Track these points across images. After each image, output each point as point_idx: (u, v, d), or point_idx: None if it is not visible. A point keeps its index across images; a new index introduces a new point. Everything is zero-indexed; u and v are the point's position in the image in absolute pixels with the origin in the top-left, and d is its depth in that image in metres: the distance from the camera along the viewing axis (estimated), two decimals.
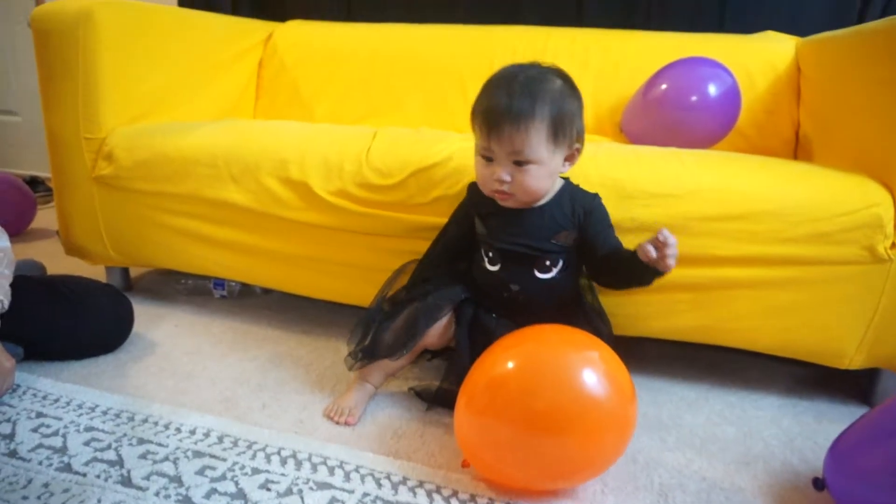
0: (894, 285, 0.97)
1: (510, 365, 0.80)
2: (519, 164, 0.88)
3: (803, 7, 1.61)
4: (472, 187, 1.03)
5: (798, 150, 1.41)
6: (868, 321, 1.00)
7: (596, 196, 0.98)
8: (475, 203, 1.01)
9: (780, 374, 1.19)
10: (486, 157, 0.91)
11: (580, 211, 0.95)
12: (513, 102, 0.86)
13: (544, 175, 0.90)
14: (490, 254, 0.98)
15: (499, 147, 0.88)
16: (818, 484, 0.80)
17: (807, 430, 1.02)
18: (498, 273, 0.97)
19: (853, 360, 1.04)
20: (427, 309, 0.97)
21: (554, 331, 0.86)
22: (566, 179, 0.99)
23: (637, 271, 0.88)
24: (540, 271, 0.96)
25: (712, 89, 1.31)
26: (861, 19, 1.58)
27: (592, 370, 0.76)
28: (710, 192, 1.00)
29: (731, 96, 1.32)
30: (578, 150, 0.94)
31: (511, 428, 0.75)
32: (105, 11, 1.31)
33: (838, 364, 1.05)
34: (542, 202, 0.96)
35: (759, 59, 1.45)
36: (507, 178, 0.89)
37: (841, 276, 0.99)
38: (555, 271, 0.96)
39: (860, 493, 0.73)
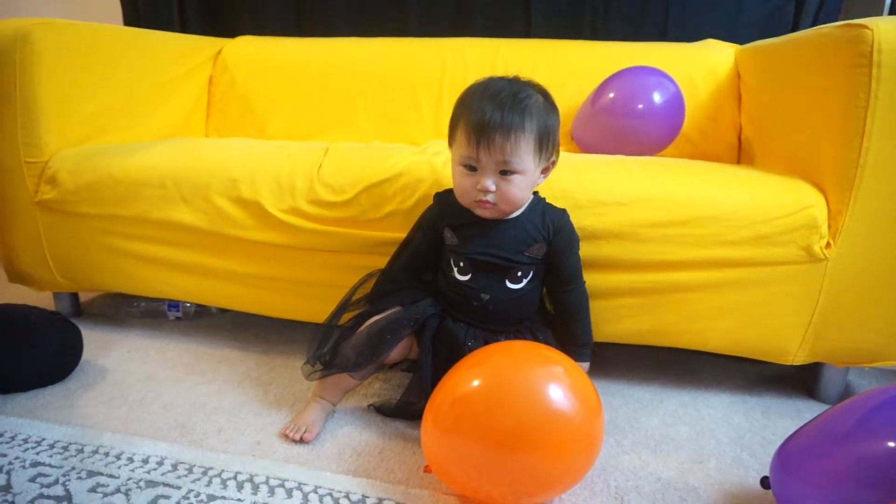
0: (831, 283, 1.02)
1: (476, 383, 0.79)
2: (504, 173, 0.90)
3: (741, 16, 1.68)
4: (441, 198, 1.03)
5: (741, 153, 1.46)
6: (809, 318, 1.04)
7: (564, 212, 1.00)
8: (446, 214, 1.01)
9: (731, 373, 1.23)
10: (470, 166, 0.92)
11: (550, 225, 0.98)
12: (504, 114, 0.88)
13: (527, 185, 0.93)
14: (461, 264, 0.98)
15: (487, 156, 0.89)
16: (766, 483, 0.82)
17: (756, 426, 1.05)
18: (468, 283, 0.98)
19: (797, 355, 1.08)
20: (393, 325, 0.97)
21: (519, 347, 0.87)
22: (536, 193, 1.02)
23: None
24: (511, 282, 0.97)
25: (657, 97, 1.35)
26: (795, 27, 1.65)
27: (558, 386, 0.77)
28: (657, 200, 1.03)
29: (676, 103, 1.37)
30: (554, 163, 0.97)
31: (479, 446, 0.75)
32: (43, 32, 1.28)
33: (783, 360, 1.09)
34: (516, 214, 0.98)
35: (700, 66, 1.50)
36: (493, 188, 0.90)
37: (782, 276, 1.02)
38: (525, 282, 0.98)
39: (802, 496, 0.75)
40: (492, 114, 0.88)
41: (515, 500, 0.80)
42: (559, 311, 1.03)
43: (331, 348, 1.00)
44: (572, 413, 0.76)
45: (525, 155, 0.90)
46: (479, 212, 0.95)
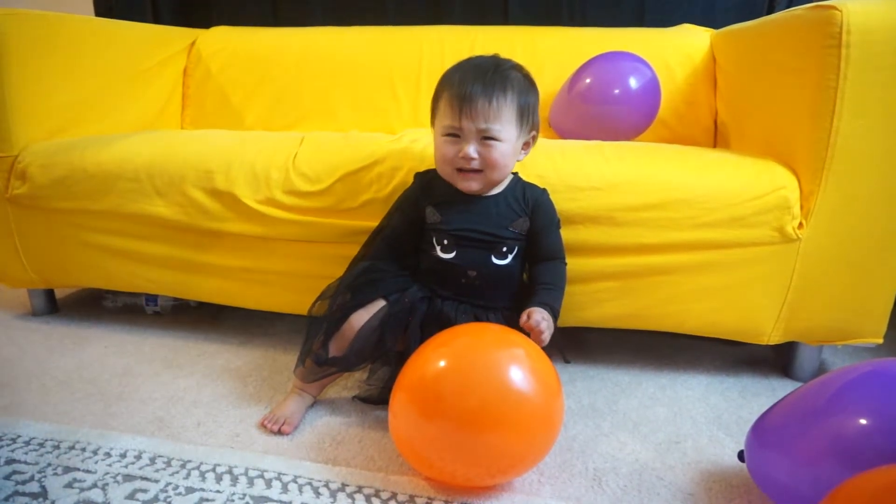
0: (804, 263, 1.03)
1: (442, 363, 0.80)
2: (486, 139, 0.91)
3: (717, 0, 1.68)
4: (421, 177, 1.03)
5: (717, 137, 1.47)
6: (783, 298, 1.06)
7: (545, 191, 1.01)
8: (428, 192, 1.01)
9: (709, 355, 1.25)
10: (453, 135, 0.93)
11: (530, 200, 0.99)
12: (485, 82, 0.91)
13: (509, 153, 0.94)
14: (444, 241, 0.98)
15: (469, 123, 0.91)
16: (742, 456, 0.83)
17: (732, 406, 1.06)
18: (453, 260, 0.98)
19: (772, 335, 1.09)
20: (388, 325, 0.95)
21: (483, 329, 0.87)
22: (515, 174, 1.02)
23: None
24: (497, 257, 0.98)
25: (633, 82, 1.35)
26: (770, 10, 1.66)
27: (519, 367, 0.78)
28: (631, 184, 1.03)
29: (652, 88, 1.37)
30: (534, 139, 0.99)
31: (443, 425, 0.76)
32: (11, 23, 1.25)
33: (759, 340, 1.10)
34: (498, 191, 0.99)
35: (676, 51, 1.50)
36: (475, 155, 0.91)
37: (756, 257, 1.03)
38: (510, 258, 0.98)
39: (776, 470, 0.76)
40: (473, 82, 0.91)
41: (479, 480, 0.81)
42: (534, 282, 0.99)
43: (321, 344, 0.97)
44: (532, 394, 0.77)
45: (507, 123, 0.92)
46: (463, 185, 0.95)
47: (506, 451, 0.77)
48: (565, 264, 1.01)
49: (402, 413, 0.80)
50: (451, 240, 0.98)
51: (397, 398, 0.81)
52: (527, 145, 0.98)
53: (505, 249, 0.98)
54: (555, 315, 0.94)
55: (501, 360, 0.78)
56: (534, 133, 0.98)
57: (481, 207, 0.98)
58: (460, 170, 0.94)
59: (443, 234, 0.98)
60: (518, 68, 0.97)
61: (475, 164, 0.92)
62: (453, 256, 0.98)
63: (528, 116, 0.95)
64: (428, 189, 1.01)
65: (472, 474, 0.80)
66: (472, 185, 0.95)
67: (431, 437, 0.77)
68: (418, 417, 0.78)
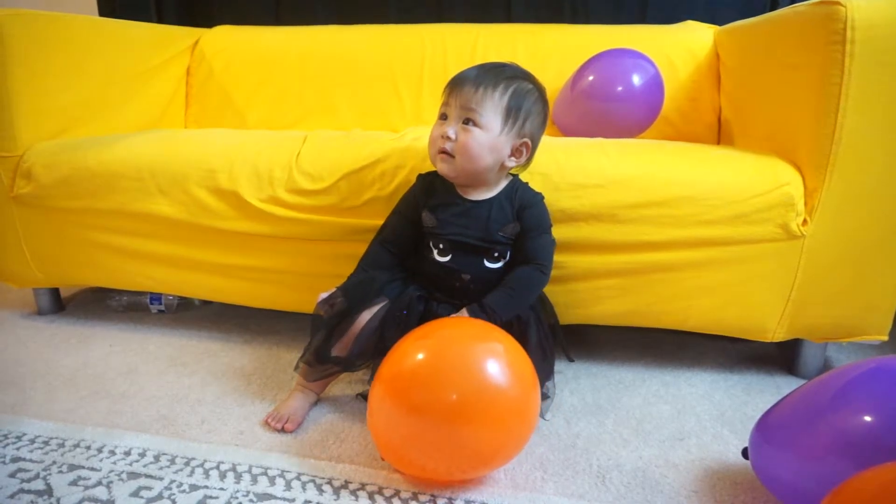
0: (808, 260, 1.02)
1: (418, 357, 0.80)
2: (466, 123, 0.93)
3: None
4: (423, 178, 1.04)
5: (721, 134, 1.47)
6: (787, 295, 1.05)
7: (538, 195, 1.00)
8: (427, 195, 1.01)
9: (713, 352, 1.24)
10: (443, 115, 0.96)
11: (519, 203, 0.98)
12: (480, 73, 0.95)
13: (485, 144, 0.93)
14: (440, 245, 0.99)
15: (454, 101, 0.94)
16: (746, 453, 0.83)
17: (736, 403, 1.06)
18: (448, 264, 0.98)
19: (776, 332, 1.09)
20: (389, 322, 0.95)
21: (461, 323, 0.88)
22: (516, 177, 1.02)
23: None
24: (489, 261, 0.98)
25: (636, 79, 1.35)
26: (773, 7, 1.65)
27: (496, 361, 0.78)
28: (634, 181, 1.03)
29: (655, 85, 1.36)
30: (527, 147, 0.97)
31: (419, 419, 0.76)
32: (13, 24, 1.26)
33: (763, 337, 1.10)
34: (492, 194, 0.99)
35: (679, 48, 1.50)
36: (453, 136, 0.93)
37: (759, 254, 1.03)
38: (503, 262, 0.99)
39: (780, 467, 0.76)
40: (469, 70, 0.96)
41: (448, 475, 0.81)
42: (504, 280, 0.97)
43: (322, 343, 0.96)
44: (508, 388, 0.78)
45: (489, 111, 0.93)
46: (439, 166, 0.97)
47: (481, 445, 0.77)
48: (541, 273, 0.97)
49: (378, 407, 0.80)
50: (447, 244, 0.98)
51: (375, 392, 0.81)
52: (518, 153, 0.96)
53: (497, 254, 0.98)
54: (495, 316, 0.92)
55: (478, 355, 0.79)
56: (525, 140, 0.96)
57: (475, 212, 0.98)
58: (439, 152, 0.95)
59: (438, 239, 0.99)
60: (526, 77, 0.97)
61: (449, 147, 0.93)
62: (449, 260, 0.99)
63: (517, 119, 0.94)
64: (428, 191, 1.02)
65: (442, 469, 0.80)
66: (444, 167, 0.96)
67: (407, 431, 0.77)
68: (395, 411, 0.78)
